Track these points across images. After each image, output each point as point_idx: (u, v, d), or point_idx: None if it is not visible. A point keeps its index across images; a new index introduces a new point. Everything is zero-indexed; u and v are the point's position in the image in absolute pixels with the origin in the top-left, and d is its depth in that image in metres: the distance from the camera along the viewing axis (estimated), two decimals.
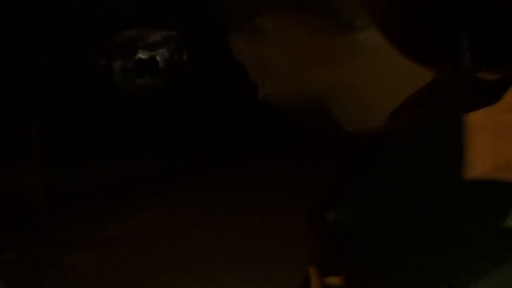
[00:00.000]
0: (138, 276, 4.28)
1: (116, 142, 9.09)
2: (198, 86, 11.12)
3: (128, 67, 13.45)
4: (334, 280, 0.53)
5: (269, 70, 0.62)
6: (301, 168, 6.12)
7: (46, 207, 5.34)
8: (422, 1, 0.65)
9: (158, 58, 13.42)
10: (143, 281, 4.23)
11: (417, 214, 0.48)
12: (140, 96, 12.99)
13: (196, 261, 4.40)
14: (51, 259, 4.47)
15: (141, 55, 13.34)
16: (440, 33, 0.60)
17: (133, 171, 7.51)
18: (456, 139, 0.50)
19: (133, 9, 10.39)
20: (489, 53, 0.53)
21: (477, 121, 0.51)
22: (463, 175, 0.48)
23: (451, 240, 0.48)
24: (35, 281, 4.29)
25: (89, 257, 4.51)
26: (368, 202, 0.50)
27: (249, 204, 5.69)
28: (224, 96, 11.98)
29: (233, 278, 4.07)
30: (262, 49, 0.62)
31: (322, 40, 0.60)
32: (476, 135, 0.50)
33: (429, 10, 0.65)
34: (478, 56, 0.53)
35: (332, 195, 0.52)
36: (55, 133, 7.44)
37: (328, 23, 0.59)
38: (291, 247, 3.59)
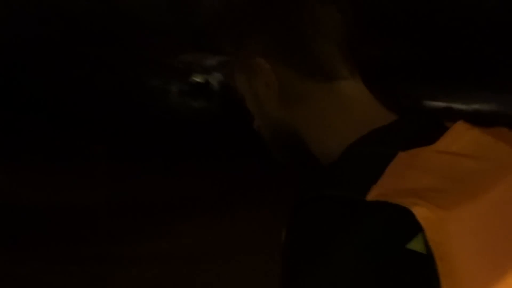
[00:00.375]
0: None
1: (172, 162, 9.18)
2: (250, 109, 11.22)
3: (184, 90, 13.74)
4: None
5: (261, 104, 0.73)
6: None
7: (107, 222, 5.48)
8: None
9: (212, 81, 13.66)
10: None
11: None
12: (195, 118, 13.27)
13: (248, 281, 4.34)
14: (109, 272, 4.57)
15: (197, 78, 13.62)
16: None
17: (189, 189, 7.55)
18: (378, 170, 0.59)
19: (190, 36, 10.75)
20: None
21: (403, 156, 0.60)
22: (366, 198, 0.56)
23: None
24: None
25: (144, 273, 4.57)
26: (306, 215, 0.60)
27: None
28: None
29: None
30: (258, 86, 0.73)
31: (309, 84, 0.71)
32: (392, 167, 0.59)
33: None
34: None
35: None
36: (115, 151, 7.66)
37: (314, 70, 0.71)
38: None
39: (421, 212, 0.55)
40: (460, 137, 0.65)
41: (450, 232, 0.56)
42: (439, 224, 0.55)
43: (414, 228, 0.55)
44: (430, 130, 0.66)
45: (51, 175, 7.64)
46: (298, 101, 0.72)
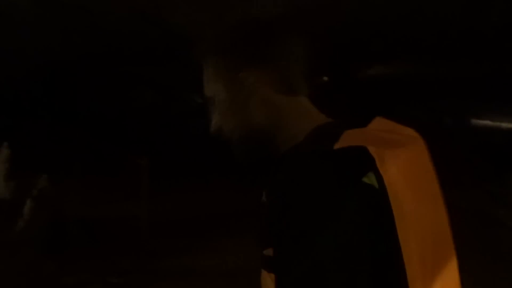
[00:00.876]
0: None
1: (214, 177, 9.23)
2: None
3: None
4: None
5: (243, 108, 0.93)
6: None
7: (148, 235, 5.54)
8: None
9: None
10: None
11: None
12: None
13: None
14: (150, 285, 4.62)
15: None
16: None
17: (230, 205, 7.56)
18: (334, 139, 0.78)
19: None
20: None
21: (349, 131, 0.81)
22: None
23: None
24: None
25: (184, 287, 4.59)
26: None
27: None
28: None
29: None
30: (241, 94, 0.93)
31: (281, 97, 0.93)
32: (343, 136, 0.79)
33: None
34: None
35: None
36: (158, 166, 7.79)
37: (285, 87, 0.93)
38: None
39: (373, 149, 0.75)
40: (382, 123, 0.90)
41: (394, 166, 0.75)
42: (386, 158, 0.75)
43: (368, 167, 0.74)
44: (359, 123, 0.88)
45: (96, 188, 7.81)
46: (273, 109, 0.92)
